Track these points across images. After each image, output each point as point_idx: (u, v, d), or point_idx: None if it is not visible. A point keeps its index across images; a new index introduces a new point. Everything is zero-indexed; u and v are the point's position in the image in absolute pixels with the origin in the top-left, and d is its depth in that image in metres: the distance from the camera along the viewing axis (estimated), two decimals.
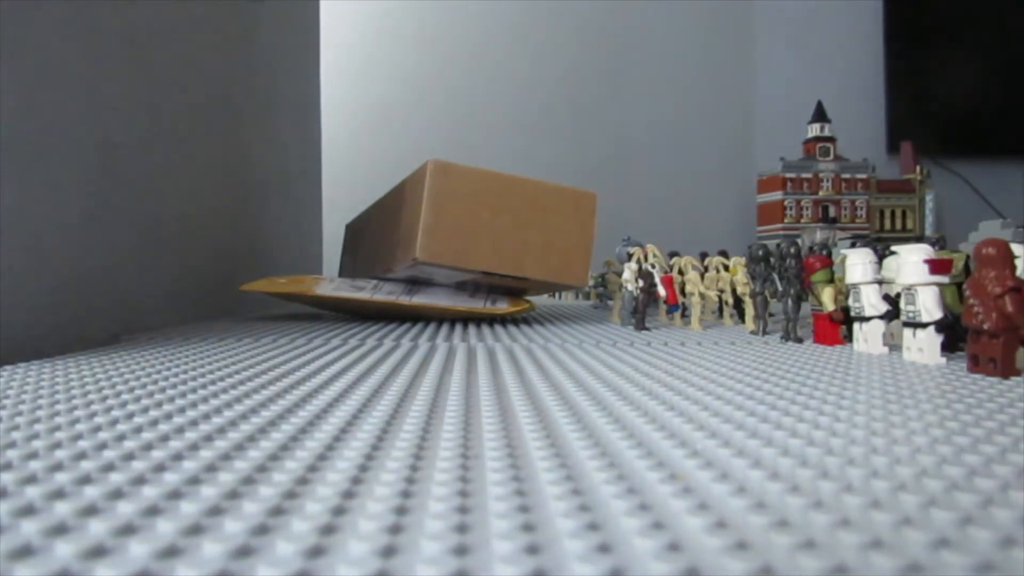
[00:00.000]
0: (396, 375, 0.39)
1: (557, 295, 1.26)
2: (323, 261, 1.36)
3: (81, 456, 0.22)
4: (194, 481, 0.20)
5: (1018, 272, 0.38)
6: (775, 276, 0.57)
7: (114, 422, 0.27)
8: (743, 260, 0.64)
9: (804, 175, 1.87)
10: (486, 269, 0.70)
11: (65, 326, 0.50)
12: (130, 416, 0.28)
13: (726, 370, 0.40)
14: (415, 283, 0.77)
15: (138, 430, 0.26)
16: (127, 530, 0.16)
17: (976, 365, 0.38)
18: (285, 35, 1.13)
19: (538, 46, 2.00)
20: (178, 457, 0.22)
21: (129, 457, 0.22)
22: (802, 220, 1.86)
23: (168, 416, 0.28)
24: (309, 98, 1.31)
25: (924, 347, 0.43)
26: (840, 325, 0.53)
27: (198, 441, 0.24)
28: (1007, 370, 0.37)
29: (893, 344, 0.48)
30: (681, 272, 0.73)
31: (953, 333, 0.44)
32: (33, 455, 0.22)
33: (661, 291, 0.72)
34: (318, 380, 0.37)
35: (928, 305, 0.42)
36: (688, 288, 0.71)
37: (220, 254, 0.84)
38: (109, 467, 0.21)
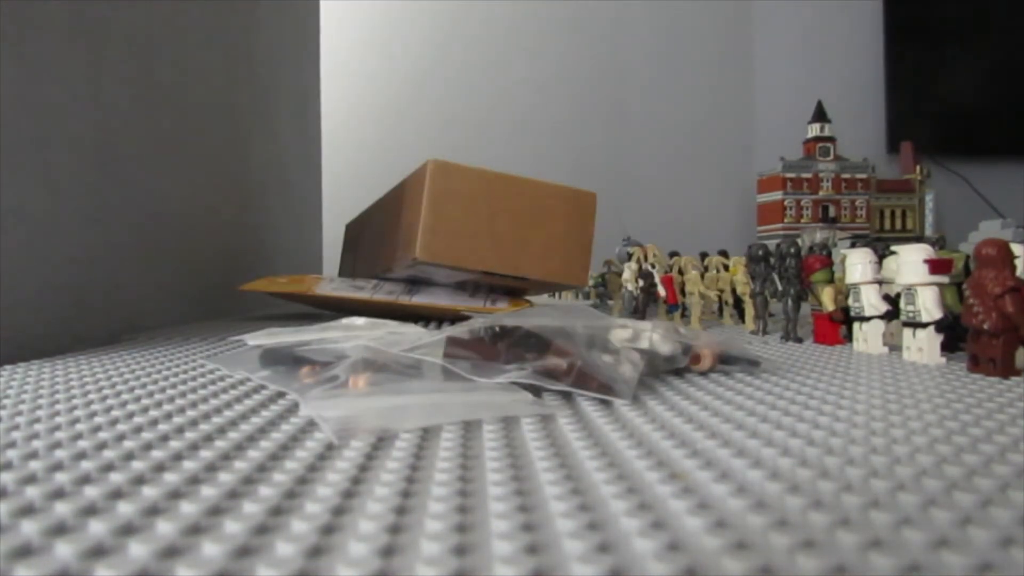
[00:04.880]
0: None
1: (557, 295, 1.26)
2: (323, 261, 1.36)
3: (81, 456, 0.22)
4: (194, 481, 0.20)
5: (1018, 272, 0.38)
6: (775, 276, 0.57)
7: (114, 422, 0.27)
8: (743, 260, 0.64)
9: (804, 175, 1.87)
10: (486, 269, 0.70)
11: (65, 326, 0.50)
12: (130, 416, 0.28)
13: (720, 371, 0.40)
14: (415, 283, 0.76)
15: (138, 430, 0.26)
16: (127, 530, 0.16)
17: (976, 365, 0.38)
18: (285, 35, 1.13)
19: (538, 46, 2.00)
20: (178, 457, 0.22)
21: (129, 457, 0.22)
22: (802, 220, 1.86)
23: (168, 416, 0.28)
24: (309, 98, 1.31)
25: (924, 347, 0.43)
26: (840, 325, 0.53)
27: (198, 441, 0.24)
28: (1007, 370, 0.37)
29: (893, 344, 0.48)
30: (681, 272, 0.73)
31: (953, 333, 0.44)
32: (33, 455, 0.22)
33: (661, 291, 0.72)
34: None
35: (928, 305, 0.42)
36: (688, 288, 0.71)
37: (220, 254, 0.84)
38: (109, 467, 0.21)
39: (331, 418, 0.25)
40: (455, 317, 0.75)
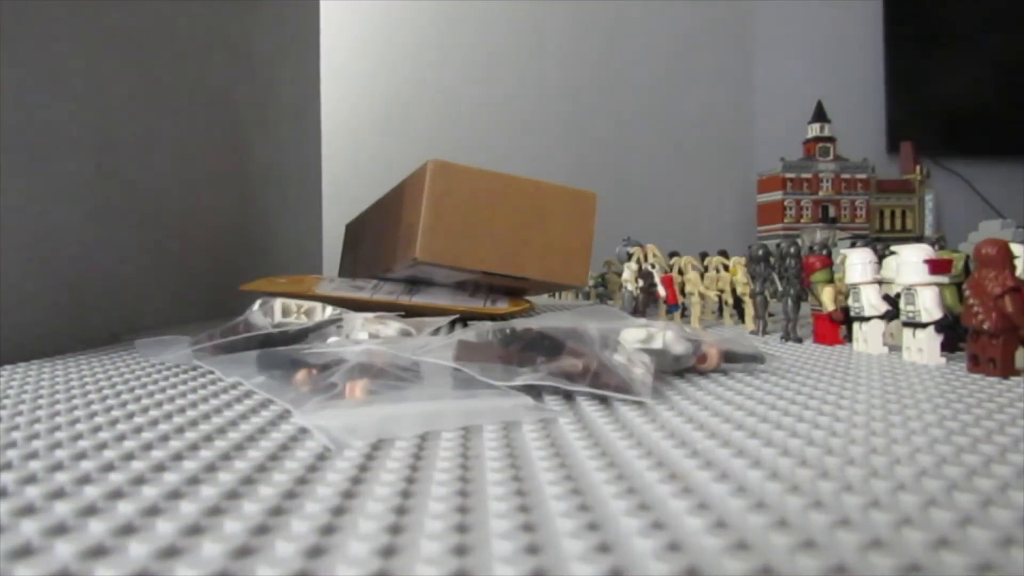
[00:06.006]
0: None
1: (557, 295, 1.26)
2: (323, 261, 1.36)
3: (81, 456, 0.22)
4: (194, 481, 0.20)
5: (1018, 272, 0.38)
6: (775, 276, 0.57)
7: (114, 422, 0.27)
8: (743, 260, 0.64)
9: (804, 175, 1.87)
10: (486, 269, 0.70)
11: (65, 326, 0.50)
12: (130, 416, 0.28)
13: (725, 369, 0.40)
14: (415, 283, 0.76)
15: (138, 430, 0.26)
16: (127, 530, 0.16)
17: (976, 365, 0.38)
18: (285, 35, 1.13)
19: (538, 46, 2.00)
20: (178, 457, 0.22)
21: (129, 457, 0.22)
22: (802, 220, 1.86)
23: (168, 416, 0.28)
24: (309, 98, 1.31)
25: (924, 347, 0.43)
26: (840, 325, 0.53)
27: (198, 441, 0.24)
28: (1007, 370, 0.37)
29: (893, 344, 0.48)
30: (681, 272, 0.73)
31: (953, 333, 0.43)
32: (33, 455, 0.22)
33: (661, 291, 0.72)
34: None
35: (928, 305, 0.42)
36: (688, 288, 0.71)
37: (220, 254, 0.84)
38: (109, 467, 0.21)
39: (326, 428, 0.25)
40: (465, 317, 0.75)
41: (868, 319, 0.48)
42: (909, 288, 0.43)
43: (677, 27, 2.05)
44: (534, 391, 0.32)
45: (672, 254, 0.78)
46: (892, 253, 0.48)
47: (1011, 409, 0.29)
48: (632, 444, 0.24)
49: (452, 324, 0.47)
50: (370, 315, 0.43)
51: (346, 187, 1.54)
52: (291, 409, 0.29)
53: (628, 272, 0.73)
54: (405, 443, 0.24)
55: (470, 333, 0.35)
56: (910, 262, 0.43)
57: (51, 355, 0.47)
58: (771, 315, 0.62)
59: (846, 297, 0.51)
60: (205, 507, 0.18)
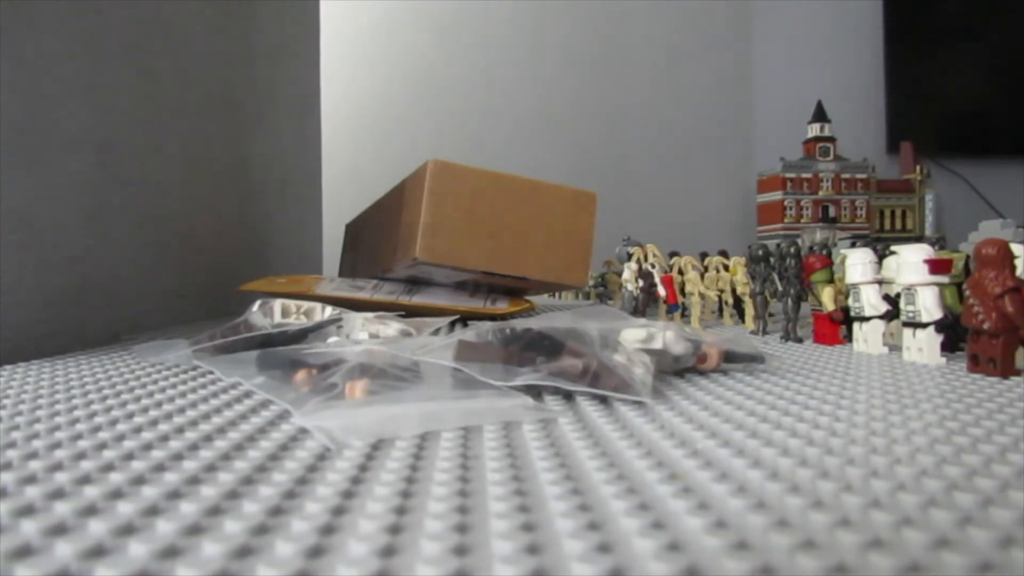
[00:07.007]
0: None
1: (557, 295, 1.26)
2: (323, 261, 1.36)
3: (81, 456, 0.22)
4: (194, 481, 0.20)
5: (1018, 272, 0.38)
6: (775, 276, 0.57)
7: (114, 422, 0.27)
8: (743, 260, 0.64)
9: (804, 175, 1.88)
10: (486, 269, 0.70)
11: (65, 326, 0.50)
12: (130, 416, 0.28)
13: (725, 369, 0.40)
14: (415, 283, 0.76)
15: (138, 430, 0.26)
16: (127, 530, 0.16)
17: (976, 365, 0.38)
18: (285, 34, 1.13)
19: (538, 46, 2.00)
20: (177, 457, 0.22)
21: (129, 457, 0.22)
22: (802, 220, 1.86)
23: (168, 416, 0.28)
24: (309, 98, 1.31)
25: (924, 347, 0.43)
26: (840, 325, 0.53)
27: (197, 441, 0.24)
28: (1007, 370, 0.37)
29: (893, 344, 0.48)
30: (681, 272, 0.73)
31: (953, 333, 0.43)
32: (33, 455, 0.22)
33: (661, 291, 0.72)
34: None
35: (928, 305, 0.42)
36: (688, 288, 0.71)
37: (220, 254, 0.84)
38: (109, 467, 0.21)
39: (326, 428, 0.25)
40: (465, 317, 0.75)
41: (868, 319, 0.48)
42: (909, 288, 0.43)
43: (676, 27, 2.05)
44: (534, 391, 0.32)
45: (672, 254, 0.78)
46: (892, 253, 0.48)
47: (1011, 409, 0.29)
48: (632, 444, 0.24)
49: (452, 324, 0.47)
50: (370, 315, 0.43)
51: (346, 187, 1.54)
52: (291, 409, 0.29)
53: (628, 272, 0.73)
54: (405, 443, 0.24)
55: (470, 333, 0.35)
56: (910, 262, 0.43)
57: (51, 355, 0.47)
58: (771, 315, 0.62)
59: (846, 297, 0.51)
60: (205, 507, 0.18)
